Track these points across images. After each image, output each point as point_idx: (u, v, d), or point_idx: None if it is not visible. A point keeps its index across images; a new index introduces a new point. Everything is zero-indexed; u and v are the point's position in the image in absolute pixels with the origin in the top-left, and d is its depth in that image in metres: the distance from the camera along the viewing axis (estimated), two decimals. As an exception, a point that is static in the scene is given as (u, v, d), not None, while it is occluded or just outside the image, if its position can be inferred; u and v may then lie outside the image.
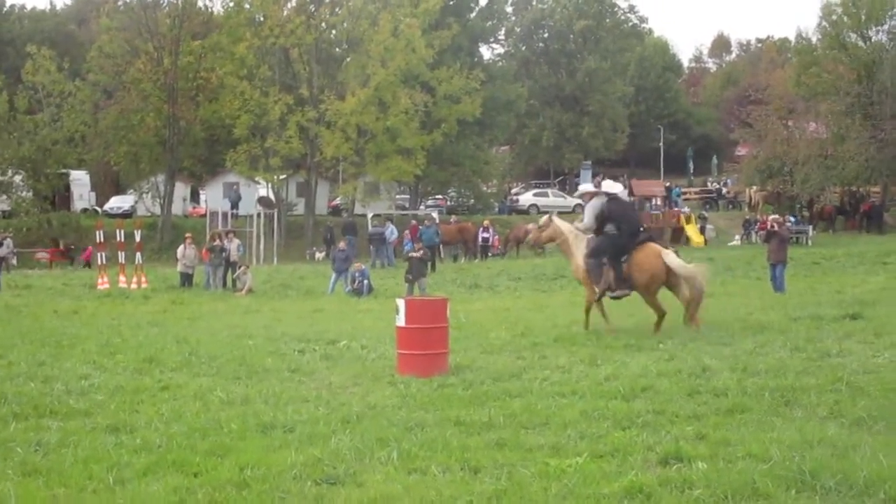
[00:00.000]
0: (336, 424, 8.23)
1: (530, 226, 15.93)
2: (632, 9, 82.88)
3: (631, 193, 57.19)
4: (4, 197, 47.72)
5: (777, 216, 28.97)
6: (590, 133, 72.65)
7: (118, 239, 30.18)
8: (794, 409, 8.29)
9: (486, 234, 41.98)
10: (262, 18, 49.88)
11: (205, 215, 48.10)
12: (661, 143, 78.50)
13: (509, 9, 72.90)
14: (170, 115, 48.83)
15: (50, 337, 15.12)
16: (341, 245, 30.01)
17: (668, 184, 63.37)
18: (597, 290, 14.54)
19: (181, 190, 54.35)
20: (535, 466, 6.71)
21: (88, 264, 38.66)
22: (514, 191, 69.42)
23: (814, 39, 59.32)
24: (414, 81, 50.34)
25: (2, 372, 11.41)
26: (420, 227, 38.28)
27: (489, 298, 24.38)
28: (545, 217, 16.23)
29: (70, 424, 8.46)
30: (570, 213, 46.48)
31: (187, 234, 31.55)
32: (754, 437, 7.27)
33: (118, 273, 29.47)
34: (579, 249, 15.05)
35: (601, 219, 14.45)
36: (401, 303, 11.35)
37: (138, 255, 29.97)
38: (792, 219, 44.17)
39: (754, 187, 55.29)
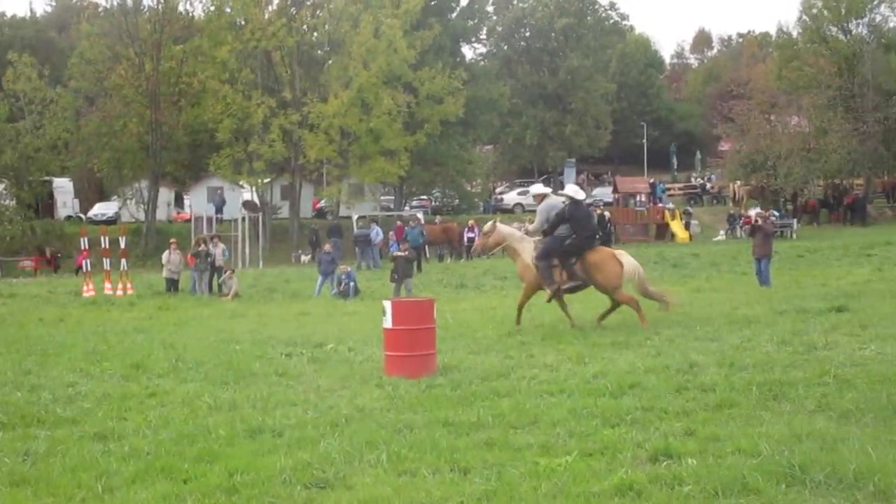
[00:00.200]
0: (325, 428, 8.20)
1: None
2: (613, 6, 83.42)
3: (615, 190, 57.43)
4: (-12, 205, 47.41)
5: (761, 210, 29.02)
6: (573, 131, 72.80)
7: (103, 245, 30.00)
8: (782, 404, 8.30)
9: (471, 234, 41.80)
10: (243, 22, 49.70)
11: (189, 220, 47.95)
12: (644, 140, 78.79)
13: (490, 8, 73.14)
14: (152, 121, 48.59)
15: (36, 345, 15.01)
16: (327, 247, 29.88)
17: (652, 180, 63.46)
18: (549, 290, 14.86)
19: (165, 195, 54.23)
20: (525, 466, 6.70)
21: (80, 269, 38.35)
22: (498, 190, 69.62)
23: (795, 33, 59.84)
24: (396, 82, 50.38)
25: (-12, 382, 11.33)
26: (405, 227, 38.24)
27: (476, 298, 24.34)
28: (489, 223, 16.39)
29: (58, 433, 8.41)
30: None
31: (172, 240, 31.44)
32: (743, 432, 7.28)
33: (103, 280, 29.32)
34: (525, 251, 15.32)
35: (558, 220, 14.70)
36: (387, 304, 11.31)
37: (123, 261, 29.81)
38: (776, 213, 44.35)
39: (738, 182, 55.47)
